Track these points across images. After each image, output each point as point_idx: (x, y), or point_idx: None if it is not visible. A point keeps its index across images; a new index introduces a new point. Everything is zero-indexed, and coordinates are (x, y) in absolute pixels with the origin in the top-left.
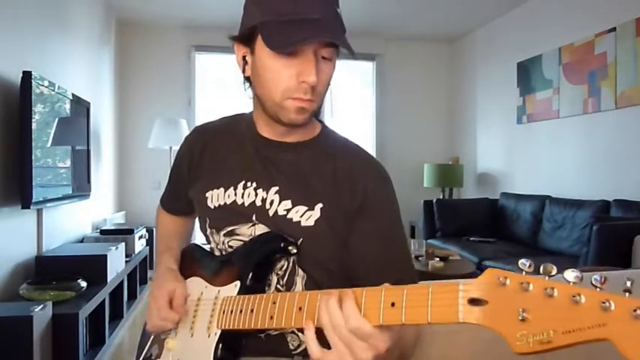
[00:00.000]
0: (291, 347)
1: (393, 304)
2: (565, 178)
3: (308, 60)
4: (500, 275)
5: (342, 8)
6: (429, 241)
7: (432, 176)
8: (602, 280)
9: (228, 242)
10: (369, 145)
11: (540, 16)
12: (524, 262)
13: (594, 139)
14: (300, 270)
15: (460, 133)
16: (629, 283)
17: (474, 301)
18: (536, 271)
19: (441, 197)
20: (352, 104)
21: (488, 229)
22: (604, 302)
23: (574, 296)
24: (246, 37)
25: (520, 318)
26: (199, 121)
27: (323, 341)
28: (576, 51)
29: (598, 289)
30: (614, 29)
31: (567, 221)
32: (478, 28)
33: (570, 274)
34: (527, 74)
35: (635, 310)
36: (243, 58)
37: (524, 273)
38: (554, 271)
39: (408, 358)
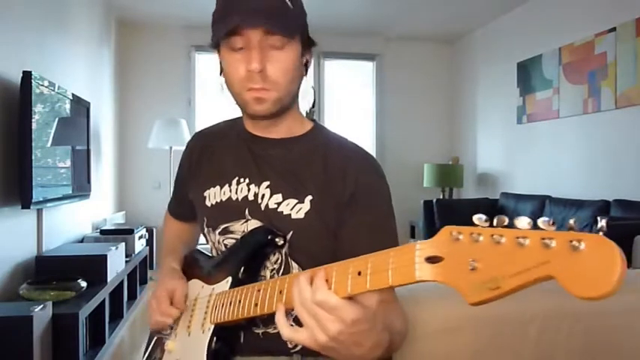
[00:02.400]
0: (290, 345)
1: (359, 273)
2: (565, 178)
3: (250, 49)
4: (454, 230)
5: (344, 8)
6: None
7: (431, 176)
8: (551, 222)
9: (223, 241)
10: (369, 145)
11: (540, 16)
12: (480, 217)
13: (594, 139)
14: (293, 262)
15: (460, 133)
16: (603, 222)
17: (431, 259)
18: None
19: (441, 197)
20: (352, 104)
21: None
22: (544, 239)
23: (518, 238)
24: (215, 44)
25: (470, 268)
26: (199, 121)
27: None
28: (576, 51)
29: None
30: (614, 29)
31: (567, 221)
32: (478, 28)
33: (522, 221)
34: (527, 74)
35: (571, 242)
36: (220, 63)
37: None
38: (507, 221)
39: (395, 348)
